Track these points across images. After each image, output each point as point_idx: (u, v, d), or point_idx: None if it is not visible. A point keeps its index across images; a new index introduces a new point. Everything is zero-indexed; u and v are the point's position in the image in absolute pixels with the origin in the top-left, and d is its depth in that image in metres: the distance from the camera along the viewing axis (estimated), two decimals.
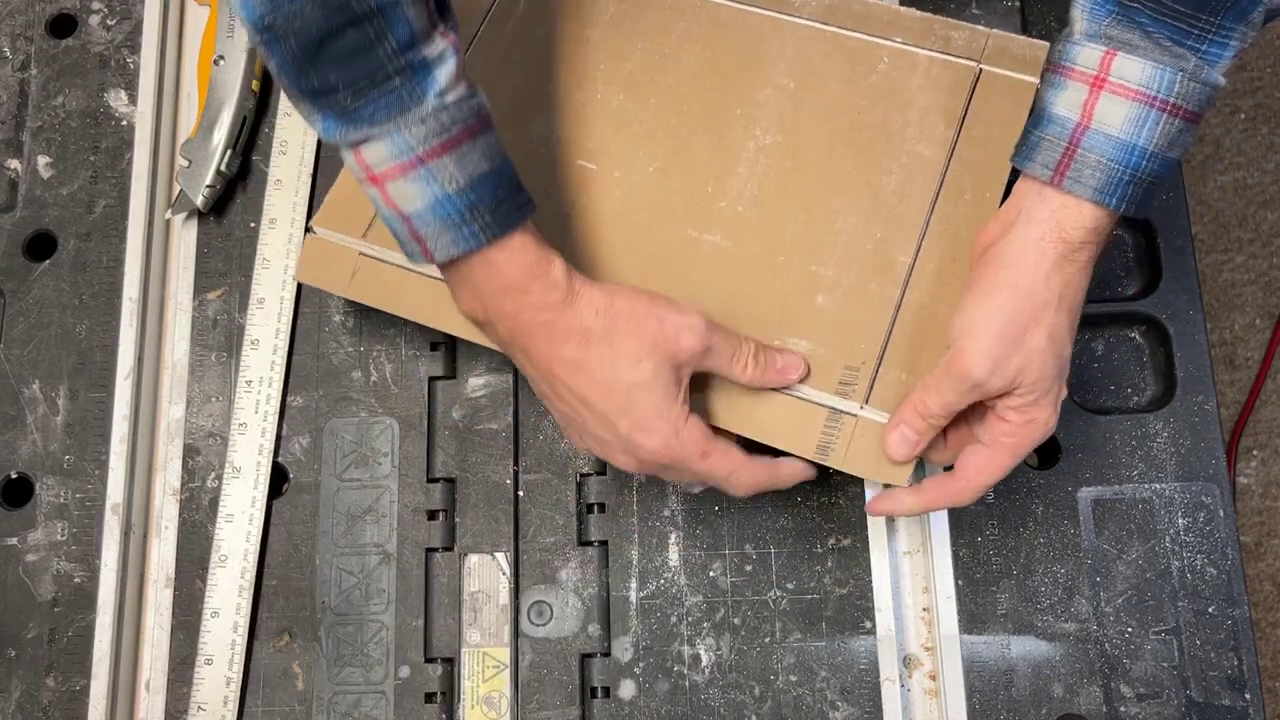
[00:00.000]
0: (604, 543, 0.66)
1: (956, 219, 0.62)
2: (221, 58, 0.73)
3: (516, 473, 0.68)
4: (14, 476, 0.70)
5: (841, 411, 0.58)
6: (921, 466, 0.63)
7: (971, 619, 0.64)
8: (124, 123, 0.76)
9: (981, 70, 0.65)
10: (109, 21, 0.78)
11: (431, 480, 0.68)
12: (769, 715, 0.63)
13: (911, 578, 0.65)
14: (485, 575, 0.66)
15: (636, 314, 0.54)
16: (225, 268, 0.72)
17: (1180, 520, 0.65)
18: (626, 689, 0.64)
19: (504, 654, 0.65)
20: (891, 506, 0.59)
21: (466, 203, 0.51)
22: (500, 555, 0.66)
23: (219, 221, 0.73)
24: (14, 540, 0.69)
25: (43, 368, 0.71)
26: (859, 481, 0.66)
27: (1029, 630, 0.64)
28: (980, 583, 0.64)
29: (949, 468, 0.57)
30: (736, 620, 0.65)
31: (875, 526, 0.64)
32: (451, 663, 0.65)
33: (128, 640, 0.67)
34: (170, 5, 0.77)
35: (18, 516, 0.69)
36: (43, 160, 0.75)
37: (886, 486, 0.59)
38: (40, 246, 0.74)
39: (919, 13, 0.67)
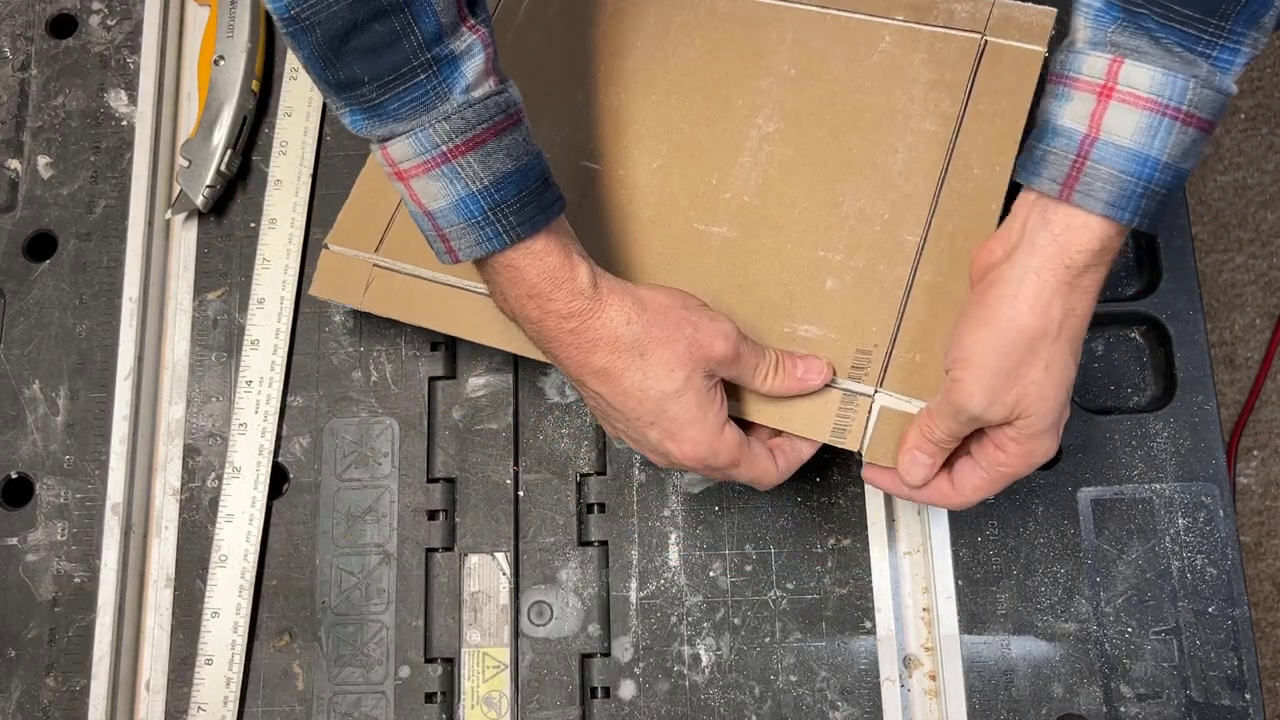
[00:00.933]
0: (604, 543, 0.66)
1: (966, 195, 0.61)
2: (221, 58, 0.73)
3: (516, 473, 0.68)
4: (14, 476, 0.70)
5: (856, 394, 0.57)
6: None
7: (971, 619, 0.64)
8: (124, 123, 0.76)
9: (987, 42, 0.64)
10: (109, 21, 0.78)
11: (431, 480, 0.68)
12: (769, 715, 0.63)
13: (911, 578, 0.65)
14: (485, 575, 0.66)
15: (670, 320, 0.53)
16: (225, 268, 0.72)
17: (1180, 520, 0.65)
18: (626, 689, 0.64)
19: (504, 654, 0.65)
20: (886, 485, 0.58)
21: (490, 202, 0.50)
22: (500, 555, 0.66)
23: (219, 221, 0.73)
24: (14, 540, 0.69)
25: (43, 368, 0.71)
26: (859, 481, 0.66)
27: (1029, 630, 0.63)
28: (980, 583, 0.64)
29: (947, 465, 0.57)
30: (736, 620, 0.65)
31: (875, 526, 0.64)
32: (451, 663, 0.65)
33: (128, 640, 0.67)
34: (170, 5, 0.77)
35: (18, 516, 0.69)
36: (43, 160, 0.75)
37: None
38: (40, 246, 0.74)
39: None
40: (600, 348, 0.53)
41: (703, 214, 0.63)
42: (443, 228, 0.51)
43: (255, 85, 0.74)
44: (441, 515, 0.67)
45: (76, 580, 0.68)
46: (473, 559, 0.67)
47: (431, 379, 0.69)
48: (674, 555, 0.66)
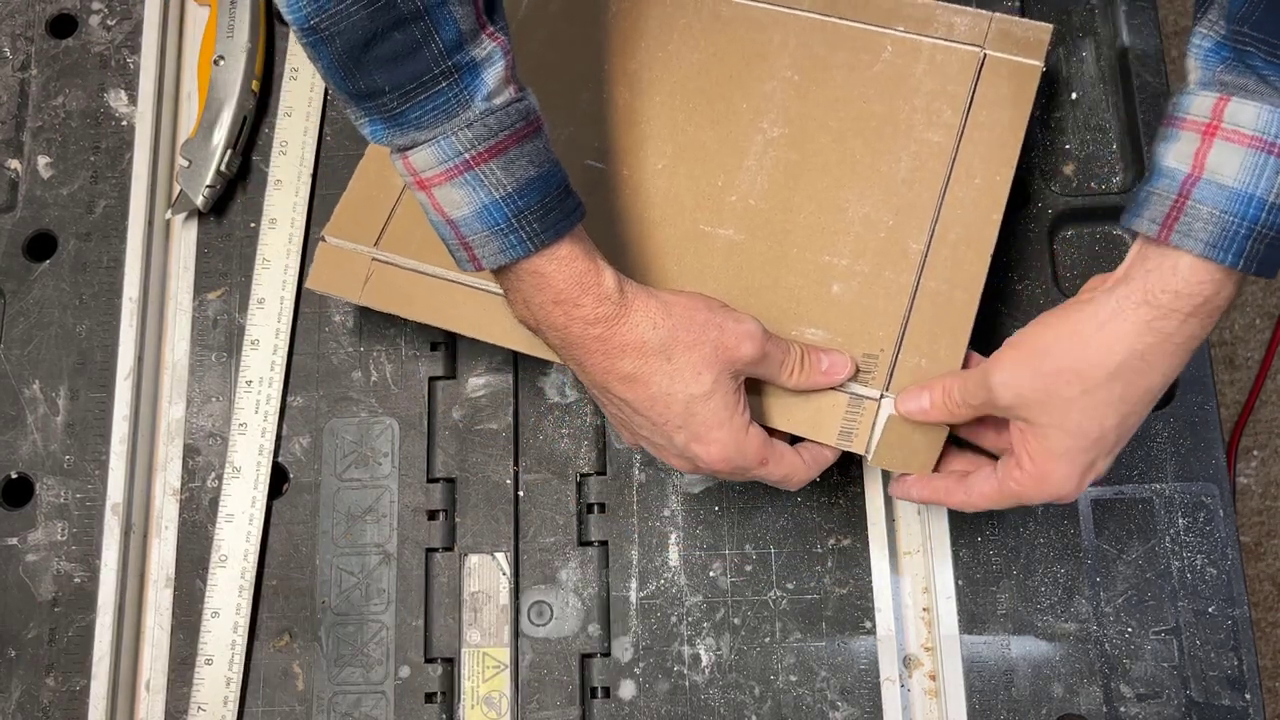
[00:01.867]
0: (604, 543, 0.66)
1: (968, 204, 0.61)
2: (221, 58, 0.73)
3: (516, 473, 0.68)
4: (14, 476, 0.70)
5: (863, 397, 0.58)
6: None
7: (971, 619, 0.64)
8: (124, 123, 0.76)
9: (986, 55, 0.65)
10: (109, 21, 0.78)
11: (431, 480, 0.68)
12: (769, 715, 0.63)
13: (911, 578, 0.65)
14: (485, 575, 0.66)
15: (695, 324, 0.53)
16: (225, 268, 0.72)
17: (1180, 520, 0.65)
18: (626, 689, 0.64)
19: (504, 654, 0.65)
20: (904, 494, 0.59)
21: (513, 209, 0.50)
22: (500, 555, 0.66)
23: (219, 221, 0.73)
24: (14, 540, 0.69)
25: (43, 368, 0.71)
26: (859, 482, 0.66)
27: (1029, 630, 0.63)
28: (980, 583, 0.64)
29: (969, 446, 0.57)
30: (736, 620, 0.65)
31: (875, 526, 0.64)
32: (451, 663, 0.65)
33: (128, 640, 0.67)
34: (170, 5, 0.77)
35: (18, 516, 0.69)
36: (43, 160, 0.75)
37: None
38: (40, 246, 0.74)
39: (919, 0, 0.67)
40: (627, 353, 0.53)
41: (709, 216, 0.63)
42: (466, 236, 0.51)
43: (255, 85, 0.74)
44: (441, 515, 0.67)
45: (76, 580, 0.68)
46: (473, 559, 0.67)
47: (431, 379, 0.69)
48: (674, 555, 0.66)
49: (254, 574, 0.66)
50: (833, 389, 0.58)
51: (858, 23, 0.67)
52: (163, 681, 0.66)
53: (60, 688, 0.66)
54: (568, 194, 0.52)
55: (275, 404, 0.69)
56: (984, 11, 0.66)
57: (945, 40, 0.65)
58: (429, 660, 0.65)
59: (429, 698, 0.64)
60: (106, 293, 0.72)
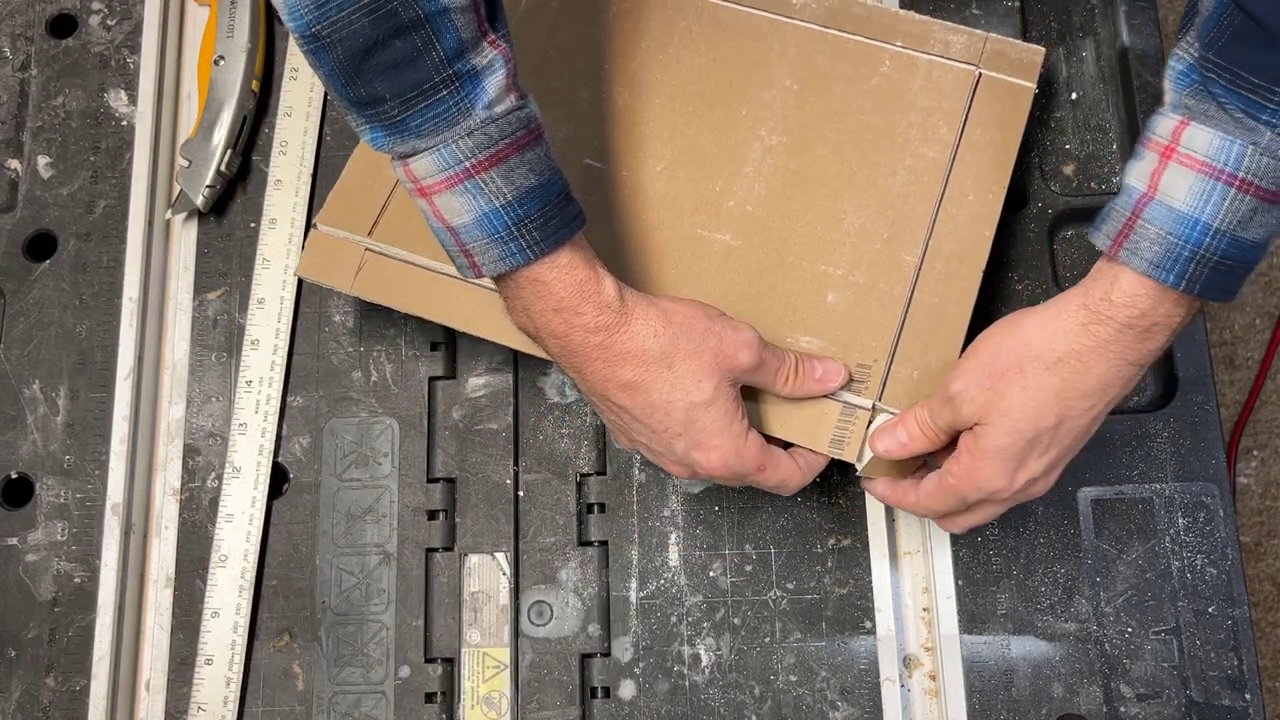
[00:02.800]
0: (604, 543, 0.66)
1: (961, 220, 0.62)
2: (221, 58, 0.73)
3: (516, 473, 0.68)
4: (14, 476, 0.70)
5: (855, 406, 0.58)
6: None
7: (971, 619, 0.64)
8: (124, 123, 0.76)
9: (981, 74, 0.66)
10: (109, 21, 0.78)
11: (431, 480, 0.68)
12: (769, 715, 0.63)
13: (911, 578, 0.65)
14: (485, 575, 0.66)
15: (695, 332, 0.53)
16: (225, 268, 0.72)
17: (1180, 520, 0.65)
18: (626, 689, 0.64)
19: (504, 654, 0.65)
20: (869, 489, 0.60)
21: (514, 217, 0.50)
22: (500, 555, 0.66)
23: (219, 221, 0.73)
24: (14, 540, 0.68)
25: (43, 368, 0.71)
26: (859, 482, 0.65)
27: (1029, 630, 0.63)
28: (980, 583, 0.64)
29: (929, 462, 0.57)
30: (736, 620, 0.65)
31: (875, 526, 0.64)
32: (451, 663, 0.65)
33: (128, 640, 0.67)
34: (170, 5, 0.77)
35: (18, 516, 0.69)
36: (43, 160, 0.75)
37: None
38: (40, 246, 0.74)
39: (918, 16, 0.68)
40: (628, 361, 0.53)
41: (706, 220, 0.63)
42: (466, 243, 0.51)
43: (255, 85, 0.74)
44: (441, 515, 0.67)
45: (76, 580, 0.68)
46: (473, 559, 0.67)
47: (431, 379, 0.69)
48: (674, 555, 0.66)
49: (254, 574, 0.66)
50: (826, 397, 0.58)
51: (857, 36, 0.67)
52: (163, 681, 0.66)
53: (60, 688, 0.66)
54: (568, 202, 0.52)
55: (275, 404, 0.69)
56: (979, 32, 0.67)
57: (942, 58, 0.66)
58: (429, 660, 0.65)
59: (429, 698, 0.64)
60: (106, 293, 0.72)
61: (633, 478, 0.67)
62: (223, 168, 0.72)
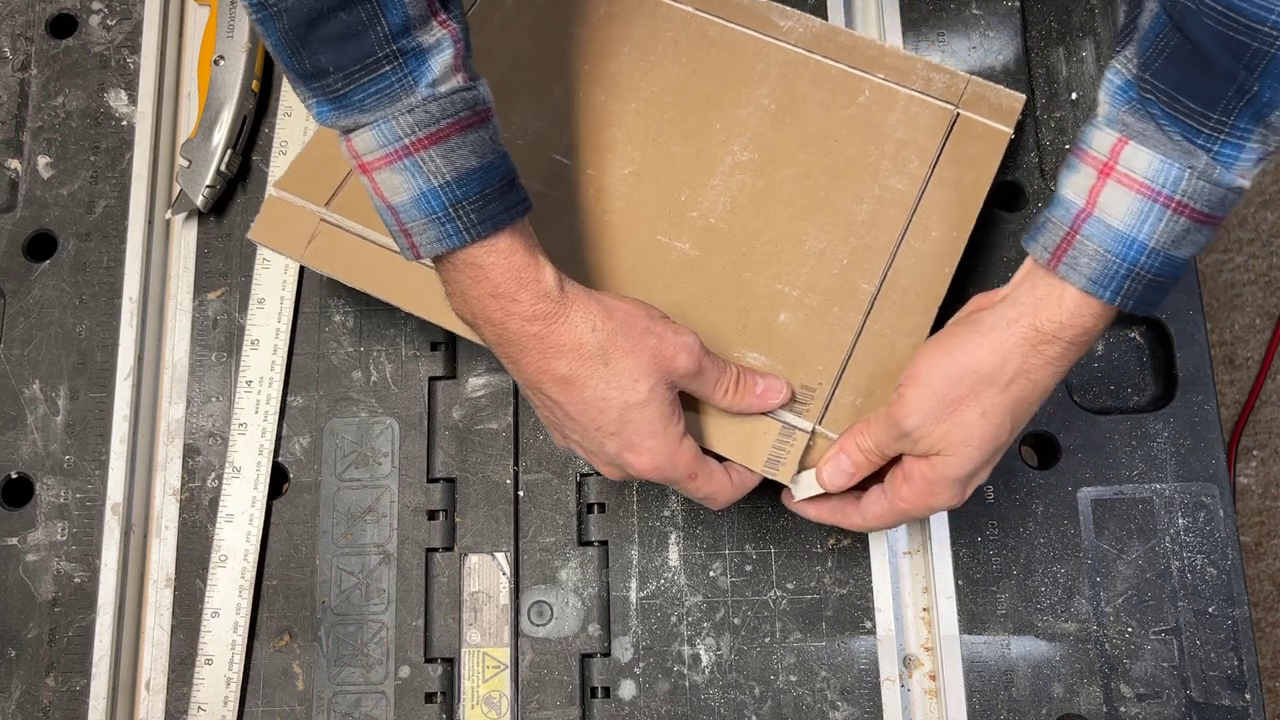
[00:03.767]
0: (604, 543, 0.66)
1: (922, 255, 0.62)
2: (221, 58, 0.73)
3: (516, 473, 0.68)
4: (14, 476, 0.70)
5: (794, 427, 0.57)
6: None
7: (971, 619, 0.64)
8: (124, 123, 0.76)
9: (959, 114, 0.66)
10: (109, 21, 0.78)
11: (431, 480, 0.68)
12: (769, 715, 0.63)
13: (911, 578, 0.65)
14: (485, 575, 0.66)
15: (635, 330, 0.53)
16: (225, 268, 0.72)
17: (1180, 520, 0.65)
18: (626, 689, 0.64)
19: (504, 654, 0.65)
20: (795, 508, 0.59)
21: (452, 198, 0.50)
22: (500, 555, 0.66)
23: (219, 221, 0.73)
24: (14, 540, 0.69)
25: (43, 368, 0.71)
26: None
27: (1029, 630, 0.63)
28: (980, 583, 0.64)
29: (862, 486, 0.57)
30: (736, 620, 0.65)
31: None
32: (451, 663, 0.65)
33: (128, 640, 0.67)
34: (170, 5, 0.77)
35: (18, 516, 0.69)
36: (43, 160, 0.75)
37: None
38: (40, 246, 0.74)
39: (903, 51, 0.68)
40: (564, 353, 0.52)
41: (668, 227, 0.63)
42: (405, 222, 0.51)
43: (255, 85, 0.74)
44: (441, 515, 0.67)
45: (76, 580, 0.68)
46: (473, 559, 0.67)
47: (431, 379, 0.69)
48: (674, 555, 0.66)
49: (254, 574, 0.66)
50: (766, 416, 0.57)
51: (840, 64, 0.68)
52: (163, 681, 0.66)
53: (60, 688, 0.66)
54: (512, 187, 0.52)
55: (275, 404, 0.69)
56: (962, 73, 0.67)
57: (922, 94, 0.67)
58: (429, 660, 0.65)
59: (429, 698, 0.64)
60: (106, 293, 0.72)
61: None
62: (223, 168, 0.72)
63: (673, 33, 0.68)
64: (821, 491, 0.57)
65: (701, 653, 0.64)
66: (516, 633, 0.65)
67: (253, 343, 0.70)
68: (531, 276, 0.51)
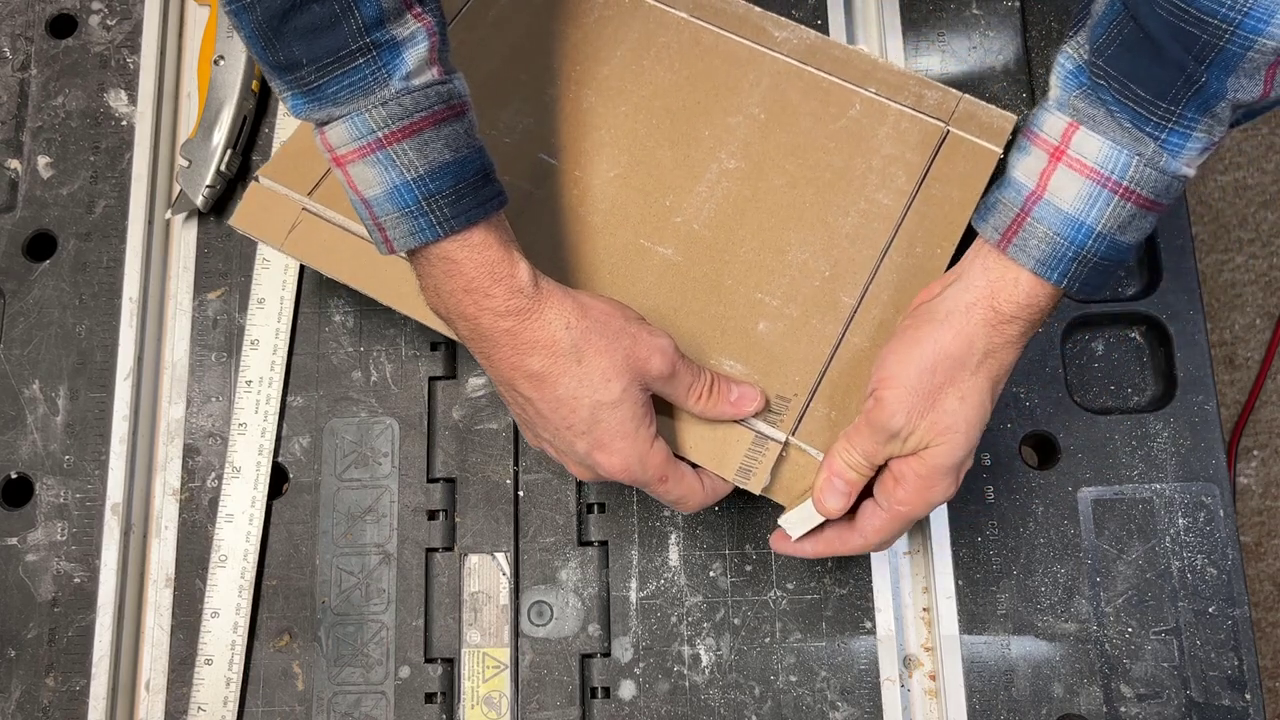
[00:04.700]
0: (604, 543, 0.66)
1: (905, 270, 0.62)
2: (221, 58, 0.73)
3: (516, 473, 0.68)
4: (14, 476, 0.70)
5: (767, 437, 0.57)
6: None
7: (971, 619, 0.64)
8: (124, 123, 0.76)
9: (949, 132, 0.66)
10: (109, 21, 0.78)
11: (431, 480, 0.68)
12: (769, 715, 0.63)
13: (911, 578, 0.65)
14: (485, 575, 0.66)
15: (610, 329, 0.52)
16: (225, 268, 0.72)
17: (1180, 520, 0.65)
18: (626, 689, 0.64)
19: (504, 654, 0.65)
20: (790, 550, 0.58)
21: (424, 192, 0.49)
22: (500, 555, 0.66)
23: (219, 221, 0.73)
24: (14, 540, 0.69)
25: (43, 368, 0.71)
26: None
27: (1029, 630, 0.63)
28: (980, 583, 0.64)
29: (851, 514, 0.56)
30: (736, 620, 0.65)
31: None
32: (451, 663, 0.65)
33: (128, 640, 0.67)
34: (170, 5, 0.77)
35: (18, 516, 0.69)
36: (43, 160, 0.75)
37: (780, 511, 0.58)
38: (40, 246, 0.74)
39: (896, 67, 0.68)
40: (537, 350, 0.52)
41: (651, 232, 0.63)
42: (378, 216, 0.51)
43: (255, 85, 0.74)
44: (441, 515, 0.67)
45: (76, 580, 0.68)
46: (473, 559, 0.67)
47: (431, 379, 0.69)
48: (674, 555, 0.66)
49: (254, 574, 0.66)
50: (739, 425, 0.57)
51: (832, 76, 0.67)
52: (163, 681, 0.66)
53: (60, 688, 0.66)
54: (487, 182, 0.51)
55: (275, 404, 0.69)
56: (955, 91, 0.67)
57: (913, 110, 0.66)
58: (429, 660, 0.65)
59: (429, 698, 0.64)
60: (106, 293, 0.72)
61: None
62: (223, 168, 0.72)
63: (666, 38, 0.68)
64: (819, 523, 0.56)
65: (701, 653, 0.64)
66: (516, 633, 0.65)
67: (253, 343, 0.70)
68: (505, 272, 0.51)
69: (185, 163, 0.72)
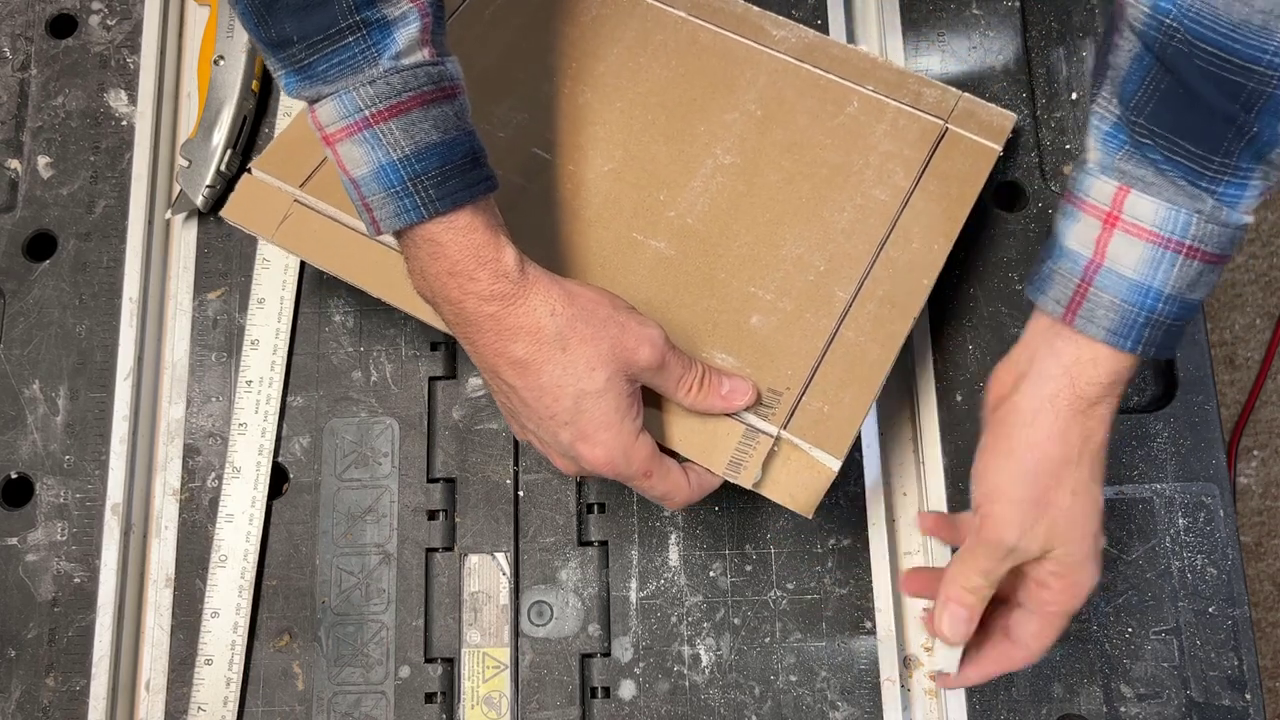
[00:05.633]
0: (604, 543, 0.66)
1: (900, 265, 0.62)
2: (221, 58, 0.73)
3: (516, 473, 0.68)
4: (14, 476, 0.70)
5: (759, 431, 0.56)
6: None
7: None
8: (124, 123, 0.76)
9: (948, 129, 0.66)
10: (109, 21, 0.78)
11: (431, 480, 0.68)
12: (769, 715, 0.63)
13: None
14: (485, 575, 0.66)
15: (597, 318, 0.52)
16: (225, 268, 0.72)
17: (1180, 520, 0.65)
18: (626, 689, 0.64)
19: (504, 654, 0.65)
20: (960, 684, 0.56)
21: (411, 172, 0.49)
22: (500, 555, 0.66)
23: (219, 221, 0.73)
24: (14, 540, 0.69)
25: (43, 368, 0.71)
26: (859, 482, 0.65)
27: None
28: None
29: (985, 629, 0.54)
30: (736, 620, 0.65)
31: (875, 527, 0.64)
32: (451, 663, 0.65)
33: (128, 640, 0.67)
34: (170, 5, 0.77)
35: (18, 516, 0.69)
36: (43, 160, 0.75)
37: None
38: (40, 246, 0.74)
39: (895, 65, 0.68)
40: (521, 336, 0.51)
41: (644, 226, 0.63)
42: (366, 196, 0.50)
43: (255, 85, 0.74)
44: (441, 515, 0.67)
45: (76, 580, 0.68)
46: (473, 559, 0.67)
47: (431, 379, 0.69)
48: (674, 555, 0.66)
49: (254, 574, 0.66)
50: (730, 418, 0.56)
51: (830, 74, 0.67)
52: (163, 681, 0.66)
53: (60, 688, 0.66)
54: (475, 165, 0.51)
55: (275, 404, 0.69)
56: (954, 90, 0.67)
57: (911, 107, 0.66)
58: (429, 660, 0.65)
59: (429, 698, 0.64)
60: (106, 293, 0.72)
61: None
62: (223, 168, 0.72)
63: (663, 36, 0.69)
64: (960, 650, 0.54)
65: (701, 653, 0.64)
66: (516, 633, 0.65)
67: (253, 343, 0.70)
68: (491, 255, 0.50)
69: (185, 163, 0.72)
